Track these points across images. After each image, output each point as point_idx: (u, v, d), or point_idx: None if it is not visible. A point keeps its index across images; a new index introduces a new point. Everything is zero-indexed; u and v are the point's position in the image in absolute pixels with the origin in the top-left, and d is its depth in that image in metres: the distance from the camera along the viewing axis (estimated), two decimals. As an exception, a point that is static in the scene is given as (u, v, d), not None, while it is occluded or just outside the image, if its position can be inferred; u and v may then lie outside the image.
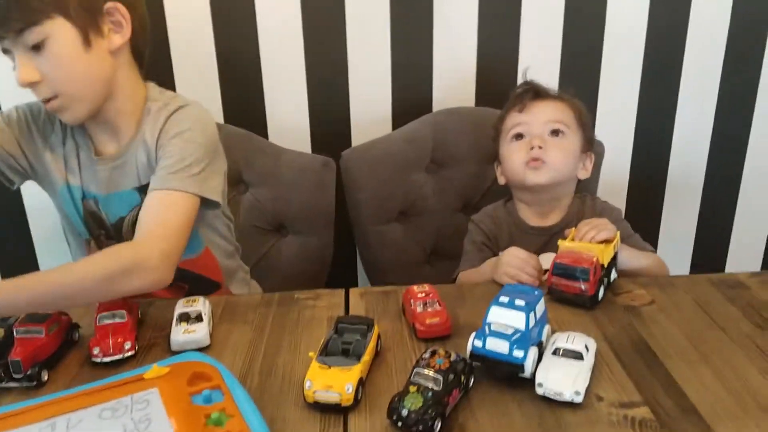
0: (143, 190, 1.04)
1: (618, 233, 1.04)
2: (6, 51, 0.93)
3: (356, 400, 0.74)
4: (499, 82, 1.55)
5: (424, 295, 0.92)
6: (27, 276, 0.84)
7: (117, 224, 1.08)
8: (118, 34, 0.99)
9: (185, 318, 0.89)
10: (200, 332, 0.87)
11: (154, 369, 0.78)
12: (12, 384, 0.79)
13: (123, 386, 0.75)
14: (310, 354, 0.79)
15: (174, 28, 1.42)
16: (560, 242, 1.02)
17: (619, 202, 1.67)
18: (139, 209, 1.00)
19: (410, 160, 1.45)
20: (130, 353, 0.84)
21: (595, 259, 0.96)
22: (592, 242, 1.00)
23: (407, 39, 1.50)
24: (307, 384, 0.74)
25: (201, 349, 0.85)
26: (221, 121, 1.49)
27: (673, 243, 1.73)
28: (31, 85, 0.93)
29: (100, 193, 1.07)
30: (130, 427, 0.69)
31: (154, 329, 0.92)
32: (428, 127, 1.47)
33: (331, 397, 0.73)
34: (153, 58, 1.11)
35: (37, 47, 0.90)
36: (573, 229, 1.06)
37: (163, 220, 0.95)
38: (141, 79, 1.07)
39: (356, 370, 0.75)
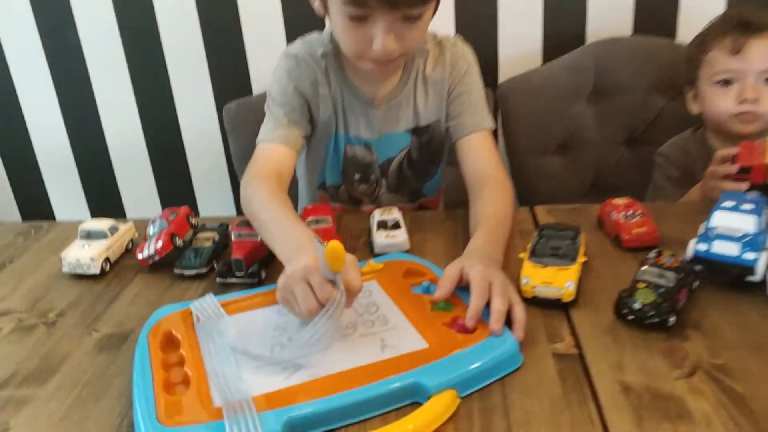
0: (417, 131, 1.06)
1: None
2: (361, 17, 0.87)
3: (575, 298, 0.73)
4: (659, 10, 1.47)
5: (625, 206, 0.89)
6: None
7: (384, 165, 1.09)
8: None
9: (383, 225, 0.90)
10: (401, 237, 0.88)
11: (370, 264, 0.80)
12: (233, 280, 0.83)
13: (341, 279, 0.78)
14: (521, 255, 0.79)
15: None
16: None
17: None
18: (408, 150, 1.07)
19: (570, 90, 1.41)
20: (337, 253, 0.86)
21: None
22: None
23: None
24: (524, 280, 0.74)
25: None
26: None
27: None
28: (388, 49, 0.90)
29: (371, 137, 1.06)
30: (360, 311, 0.72)
31: (349, 238, 0.94)
32: (589, 56, 1.41)
33: (552, 292, 0.73)
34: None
35: (412, 18, 0.88)
36: None
37: (498, 162, 1.01)
38: None
39: (574, 270, 0.74)
